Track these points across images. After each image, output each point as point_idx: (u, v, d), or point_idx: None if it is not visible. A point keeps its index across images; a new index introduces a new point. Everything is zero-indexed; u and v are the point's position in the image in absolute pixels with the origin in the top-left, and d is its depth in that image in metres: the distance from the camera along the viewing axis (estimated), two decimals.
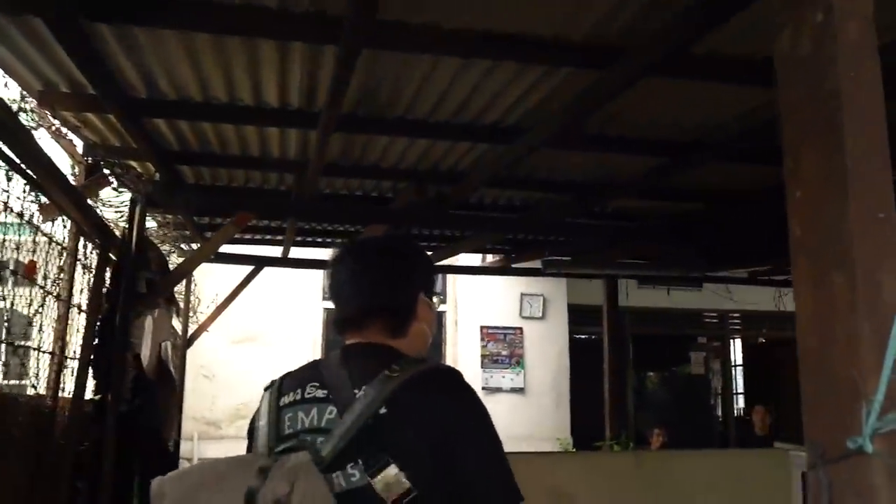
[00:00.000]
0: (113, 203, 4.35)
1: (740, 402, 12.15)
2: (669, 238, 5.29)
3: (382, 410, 1.47)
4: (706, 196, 4.85)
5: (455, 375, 1.61)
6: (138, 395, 4.02)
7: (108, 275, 3.93)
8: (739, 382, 12.31)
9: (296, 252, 7.88)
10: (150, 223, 5.80)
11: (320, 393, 1.58)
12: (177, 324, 7.70)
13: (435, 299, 1.85)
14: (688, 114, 3.41)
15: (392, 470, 1.42)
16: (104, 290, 3.90)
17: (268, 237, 7.35)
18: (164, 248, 6.53)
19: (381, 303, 1.71)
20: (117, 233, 4.19)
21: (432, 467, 1.45)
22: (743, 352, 12.68)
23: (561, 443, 9.66)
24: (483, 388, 9.57)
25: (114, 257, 3.91)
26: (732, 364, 12.06)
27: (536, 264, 8.28)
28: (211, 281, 8.47)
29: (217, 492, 1.41)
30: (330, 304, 8.37)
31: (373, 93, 3.18)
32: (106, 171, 3.95)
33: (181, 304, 7.54)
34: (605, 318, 8.59)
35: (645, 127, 3.58)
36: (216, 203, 4.55)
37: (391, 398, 1.48)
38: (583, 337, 10.77)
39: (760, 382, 12.05)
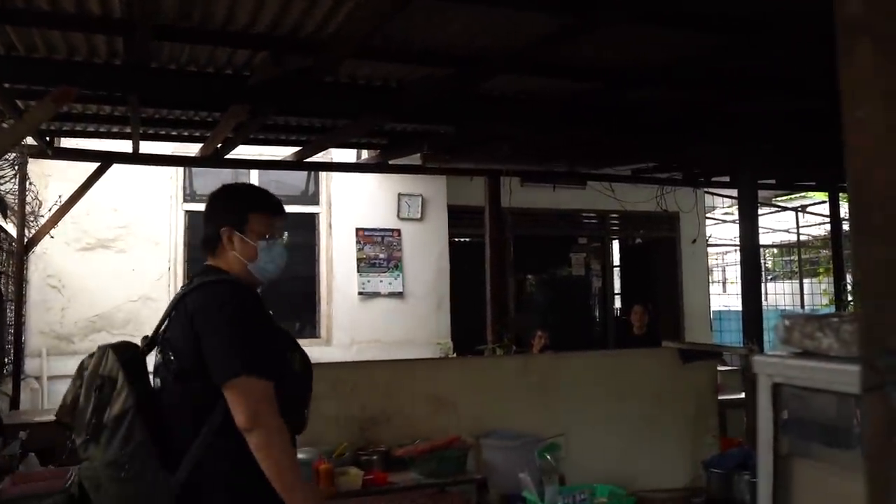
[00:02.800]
0: None
1: (617, 303, 12.20)
2: (561, 123, 4.83)
3: (173, 312, 2.33)
4: (605, 74, 4.38)
5: (213, 285, 2.32)
6: None
7: None
8: (617, 284, 12.32)
9: (149, 147, 7.07)
10: None
11: None
12: (10, 228, 6.83)
13: (262, 240, 2.42)
14: None
15: (168, 350, 2.28)
16: None
17: (115, 129, 6.51)
18: None
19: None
20: None
21: (188, 347, 2.21)
22: (620, 253, 12.67)
23: (441, 347, 9.36)
24: (360, 294, 9.11)
25: None
26: (612, 265, 12.02)
27: (415, 161, 7.78)
28: (56, 182, 7.54)
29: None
30: (193, 206, 7.50)
31: None
32: None
33: (15, 206, 6.66)
34: (487, 218, 8.24)
35: None
36: (29, 73, 3.75)
37: (178, 301, 2.32)
38: (463, 240, 10.40)
39: (637, 283, 12.11)
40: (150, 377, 2.33)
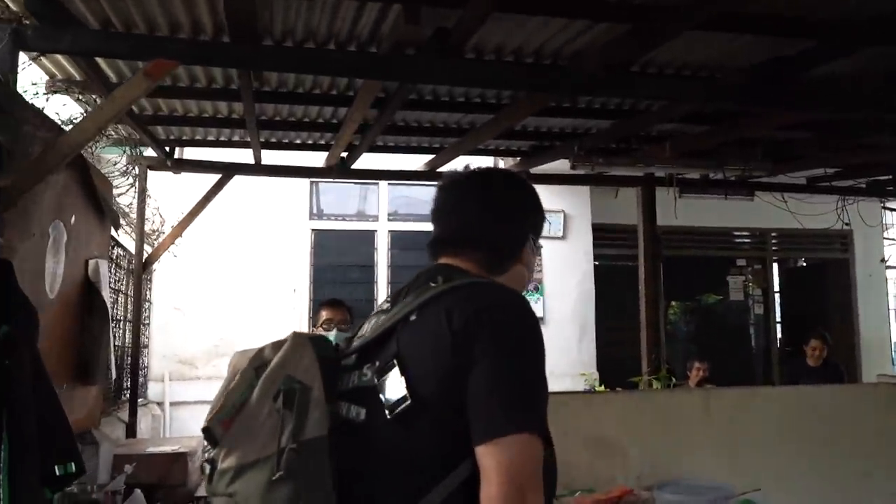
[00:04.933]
0: None
1: (779, 332, 10.90)
2: (745, 99, 3.88)
3: (413, 317, 1.51)
4: (816, 29, 3.43)
5: (500, 291, 1.54)
6: (7, 320, 2.72)
7: None
8: (778, 310, 11.01)
9: (271, 159, 6.57)
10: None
11: (386, 305, 1.65)
12: (129, 244, 6.44)
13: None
14: None
15: (394, 374, 1.45)
16: None
17: (235, 138, 6.04)
18: None
19: (487, 233, 1.67)
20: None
21: (439, 371, 1.43)
22: (780, 276, 11.37)
23: (587, 379, 8.45)
24: None
25: None
26: (773, 290, 10.75)
27: (558, 171, 6.98)
28: (178, 197, 7.13)
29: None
30: (319, 224, 6.70)
31: None
32: None
33: (133, 220, 6.26)
34: (641, 233, 7.31)
35: None
36: (118, 47, 3.19)
37: (423, 305, 1.51)
38: (605, 264, 9.44)
39: (800, 310, 10.80)
40: (341, 404, 1.59)
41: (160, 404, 7.72)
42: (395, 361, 1.47)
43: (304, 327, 8.03)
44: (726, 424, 4.29)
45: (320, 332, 4.13)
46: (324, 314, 4.37)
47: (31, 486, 2.67)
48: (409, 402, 1.42)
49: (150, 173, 6.33)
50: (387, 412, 1.45)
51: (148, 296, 7.38)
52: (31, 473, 2.67)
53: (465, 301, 1.47)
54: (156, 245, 6.63)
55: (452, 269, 1.63)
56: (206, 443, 1.55)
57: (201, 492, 4.76)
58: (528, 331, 1.47)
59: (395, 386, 1.45)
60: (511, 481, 1.33)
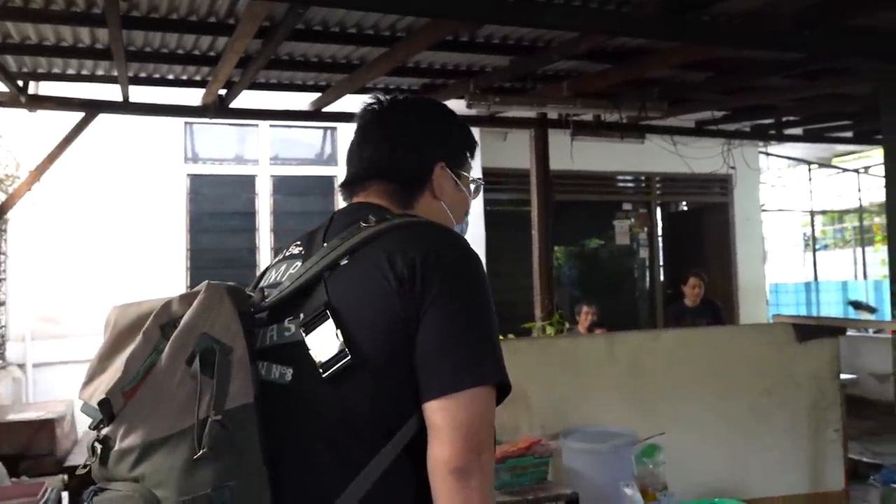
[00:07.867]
0: None
1: (661, 275, 11.12)
2: (660, 31, 3.72)
3: (344, 262, 1.35)
4: None
5: (443, 230, 1.40)
6: None
7: None
8: (661, 254, 11.22)
9: (141, 94, 6.00)
10: None
11: (296, 250, 1.49)
12: None
13: (472, 184, 1.62)
14: None
15: (328, 327, 1.28)
16: None
17: (99, 72, 5.47)
18: None
19: (380, 164, 1.53)
20: None
21: (380, 329, 1.27)
22: (663, 220, 11.58)
23: None
24: None
25: None
26: (657, 234, 10.91)
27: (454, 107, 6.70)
28: (36, 139, 6.46)
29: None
30: (195, 168, 6.02)
31: None
32: None
33: None
34: (534, 177, 7.18)
35: None
36: None
37: (356, 247, 1.35)
38: (495, 209, 9.30)
39: (682, 253, 11.04)
40: (259, 364, 1.36)
41: (21, 366, 7.10)
42: (326, 312, 1.30)
43: (180, 279, 7.55)
44: (629, 369, 4.22)
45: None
46: None
47: None
48: (348, 358, 1.26)
49: (1, 110, 5.68)
50: (320, 371, 1.28)
51: (3, 248, 6.72)
52: None
53: (409, 242, 1.33)
54: (10, 192, 6.00)
55: (375, 207, 1.48)
56: (90, 419, 1.26)
57: (74, 460, 4.35)
58: (478, 271, 1.36)
59: (323, 340, 1.29)
60: (467, 443, 1.22)
